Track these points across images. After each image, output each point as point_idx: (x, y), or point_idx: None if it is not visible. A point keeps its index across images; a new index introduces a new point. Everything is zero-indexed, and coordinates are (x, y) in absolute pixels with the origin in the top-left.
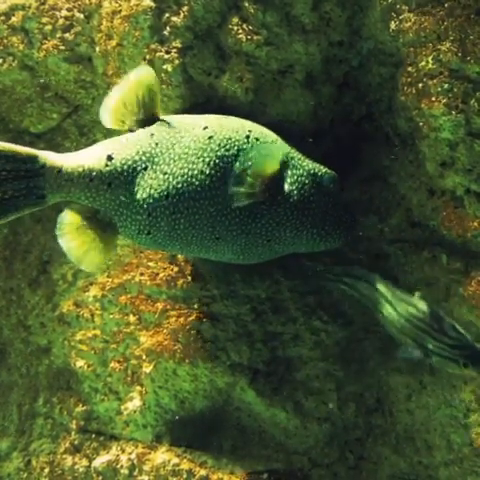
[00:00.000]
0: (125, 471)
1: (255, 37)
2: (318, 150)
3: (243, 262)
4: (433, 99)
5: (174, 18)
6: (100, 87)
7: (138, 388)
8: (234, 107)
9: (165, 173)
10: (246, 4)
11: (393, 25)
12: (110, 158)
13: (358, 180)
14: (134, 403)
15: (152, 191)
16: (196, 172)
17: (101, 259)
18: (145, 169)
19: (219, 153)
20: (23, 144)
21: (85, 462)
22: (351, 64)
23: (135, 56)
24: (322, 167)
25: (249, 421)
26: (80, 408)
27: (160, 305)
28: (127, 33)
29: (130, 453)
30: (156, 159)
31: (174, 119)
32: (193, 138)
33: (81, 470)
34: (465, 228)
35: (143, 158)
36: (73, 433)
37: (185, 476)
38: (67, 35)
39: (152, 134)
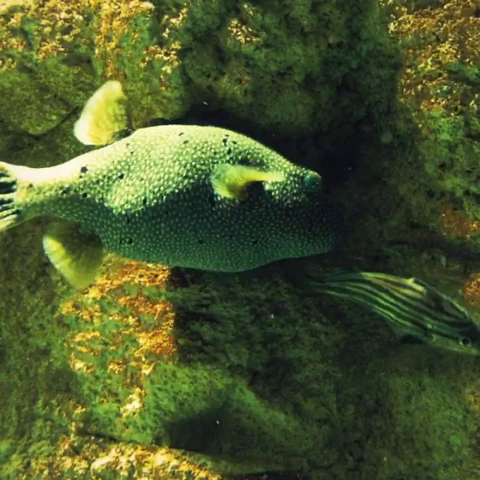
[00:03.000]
0: (124, 473)
1: (254, 39)
2: (317, 152)
3: (232, 269)
4: (432, 101)
5: (173, 20)
6: None
7: (137, 390)
8: (233, 109)
9: (141, 179)
10: (245, 6)
11: (392, 27)
12: (84, 170)
13: (357, 182)
14: (133, 405)
15: (129, 197)
16: (172, 175)
17: (88, 274)
18: (121, 177)
19: (195, 155)
20: (22, 145)
21: (84, 464)
22: (350, 66)
23: (134, 58)
24: (304, 168)
25: (248, 423)
26: (79, 410)
27: (159, 307)
28: (126, 35)
29: (129, 455)
30: (132, 167)
31: (150, 129)
32: (169, 143)
33: (80, 472)
34: (464, 230)
35: (118, 167)
36: (72, 435)
37: (184, 478)
38: (66, 37)
39: (127, 144)
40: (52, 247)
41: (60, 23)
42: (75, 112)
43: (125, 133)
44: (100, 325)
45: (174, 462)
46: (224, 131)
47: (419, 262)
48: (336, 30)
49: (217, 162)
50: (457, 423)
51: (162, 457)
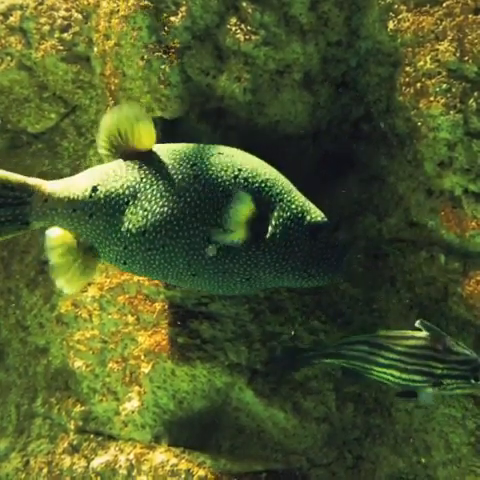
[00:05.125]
0: (124, 471)
1: (253, 37)
2: (316, 150)
3: (225, 294)
4: (431, 99)
5: (172, 18)
6: (98, 87)
7: (136, 388)
8: (232, 107)
9: (145, 210)
10: (244, 4)
11: (391, 25)
12: (95, 189)
13: (357, 180)
14: (132, 403)
15: (130, 226)
16: (175, 211)
17: (79, 281)
18: (127, 203)
19: (202, 194)
20: (21, 144)
21: (83, 462)
22: (349, 64)
23: (133, 56)
24: (313, 211)
25: (247, 421)
26: (78, 408)
27: (158, 305)
28: (125, 33)
29: (128, 453)
30: (139, 194)
31: (166, 152)
32: (179, 176)
33: (79, 471)
34: (463, 228)
35: (126, 192)
36: (71, 433)
37: (184, 476)
38: (65, 35)
39: (140, 167)
40: (53, 242)
41: (59, 21)
42: (74, 110)
43: (138, 153)
44: (99, 323)
45: (173, 460)
46: (239, 164)
47: (418, 260)
48: (335, 28)
49: (223, 201)
50: (456, 421)
51: (161, 455)
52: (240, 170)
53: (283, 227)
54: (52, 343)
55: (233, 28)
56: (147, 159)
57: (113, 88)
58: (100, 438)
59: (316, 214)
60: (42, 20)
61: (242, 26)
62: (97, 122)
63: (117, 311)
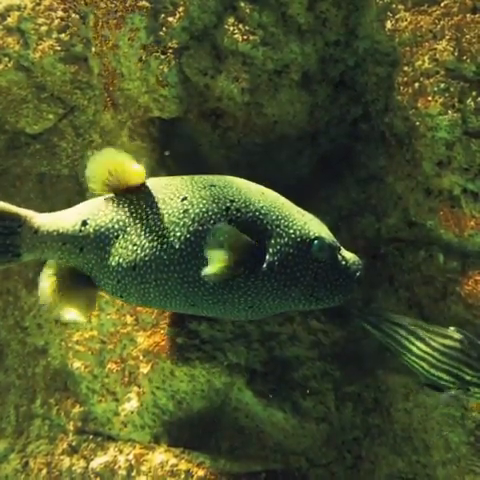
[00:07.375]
0: (123, 472)
1: (251, 37)
2: (315, 150)
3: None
4: (429, 98)
5: (170, 18)
6: (96, 88)
7: (135, 389)
8: (230, 107)
9: (135, 244)
10: (242, 4)
11: (389, 24)
12: (85, 223)
13: (355, 180)
14: (131, 404)
15: (121, 260)
16: (165, 246)
17: (83, 313)
18: (117, 237)
19: (192, 228)
20: (19, 144)
21: (83, 463)
22: (347, 64)
23: (131, 57)
24: (314, 232)
25: (247, 421)
26: (77, 409)
27: None
28: (123, 34)
29: (128, 454)
30: (128, 229)
31: (158, 187)
32: (168, 211)
33: (79, 471)
34: (462, 227)
35: (116, 226)
36: (70, 434)
37: (183, 477)
38: (63, 36)
39: (131, 202)
40: (48, 298)
41: (56, 22)
42: (72, 111)
43: (127, 190)
44: (98, 324)
45: (173, 461)
46: (231, 195)
47: (417, 260)
48: (333, 28)
49: (214, 234)
50: (455, 420)
51: (161, 456)
52: (232, 201)
53: (281, 254)
54: (51, 344)
55: (231, 28)
56: (138, 193)
57: (111, 89)
58: (99, 439)
59: (319, 235)
60: (40, 21)
61: (240, 26)
62: (95, 123)
63: (116, 311)
